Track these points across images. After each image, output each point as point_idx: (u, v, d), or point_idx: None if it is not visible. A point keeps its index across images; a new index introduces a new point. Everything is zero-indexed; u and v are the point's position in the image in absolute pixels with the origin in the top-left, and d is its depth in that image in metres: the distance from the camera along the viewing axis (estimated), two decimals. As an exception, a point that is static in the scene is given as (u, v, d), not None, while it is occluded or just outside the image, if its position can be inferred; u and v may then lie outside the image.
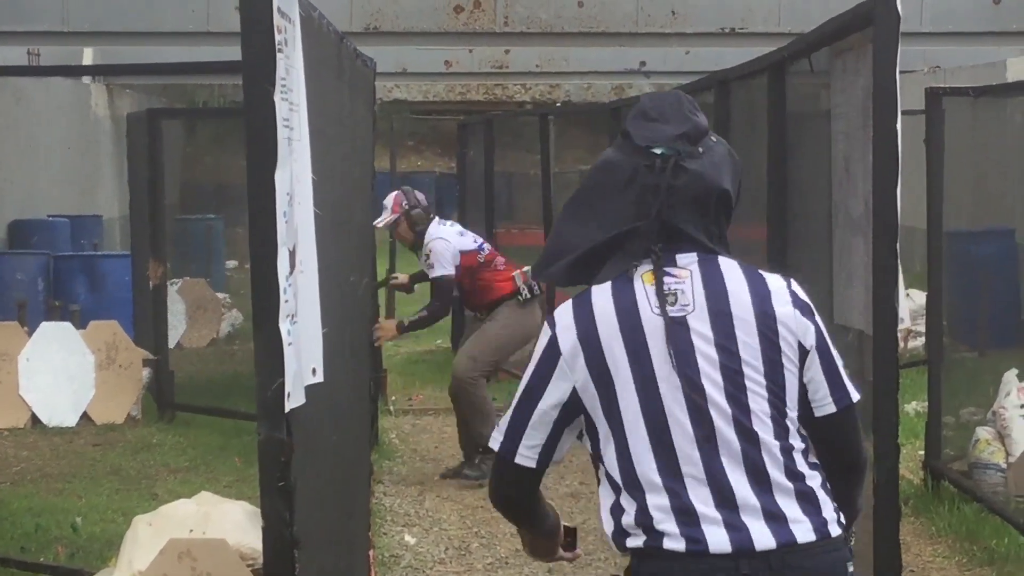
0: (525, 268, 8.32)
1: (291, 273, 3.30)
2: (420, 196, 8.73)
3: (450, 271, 8.21)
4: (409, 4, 11.62)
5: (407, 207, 8.30)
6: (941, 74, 13.99)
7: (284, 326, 3.21)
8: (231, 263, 17.73)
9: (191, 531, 6.28)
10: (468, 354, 8.18)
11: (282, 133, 3.33)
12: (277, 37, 3.34)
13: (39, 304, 12.09)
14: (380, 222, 8.12)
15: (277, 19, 3.34)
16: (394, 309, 14.12)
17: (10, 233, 14.62)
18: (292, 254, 3.37)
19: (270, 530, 3.36)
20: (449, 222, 8.85)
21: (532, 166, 13.50)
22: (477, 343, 8.22)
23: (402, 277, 9.25)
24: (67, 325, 10.64)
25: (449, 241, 8.27)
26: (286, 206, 3.34)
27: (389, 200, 8.47)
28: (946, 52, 13.30)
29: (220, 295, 14.60)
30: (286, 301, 3.24)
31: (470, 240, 8.53)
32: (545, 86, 18.02)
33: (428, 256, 8.17)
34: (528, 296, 8.24)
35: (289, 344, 3.19)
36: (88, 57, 14.49)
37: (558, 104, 16.49)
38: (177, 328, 12.64)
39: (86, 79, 17.66)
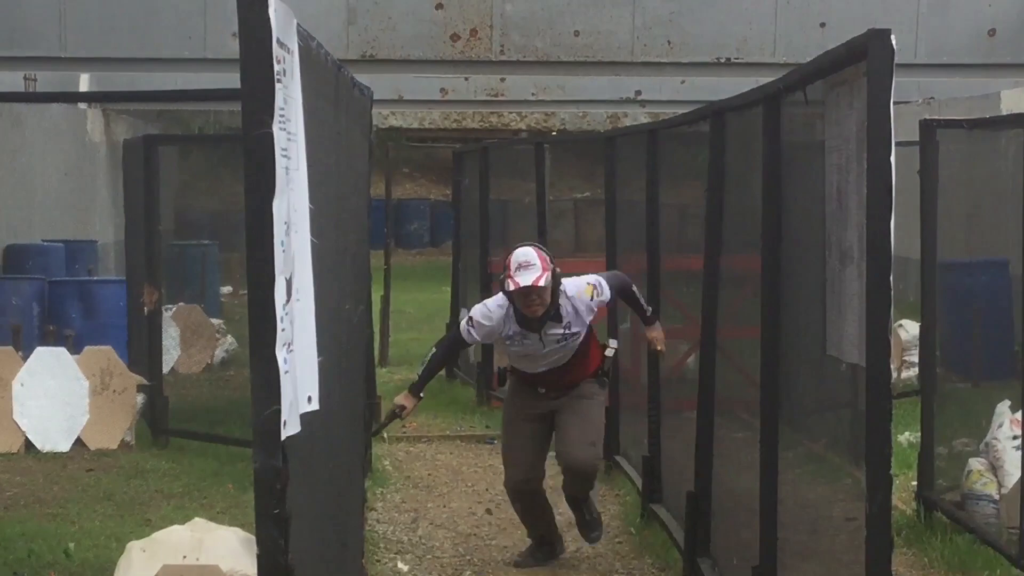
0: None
1: (288, 302, 3.31)
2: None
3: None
4: (406, 32, 11.77)
5: (551, 263, 6.72)
6: (936, 105, 13.97)
7: (280, 354, 3.20)
8: (226, 289, 17.72)
9: (184, 557, 6.24)
10: (586, 442, 7.06)
11: (280, 163, 3.34)
12: (276, 68, 3.34)
13: (33, 329, 12.16)
14: (540, 279, 6.53)
15: (276, 50, 3.36)
16: (388, 345, 14.13)
17: (5, 258, 14.61)
18: (289, 283, 3.38)
19: (265, 557, 3.35)
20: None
21: (527, 194, 13.47)
22: (590, 428, 7.10)
23: (409, 406, 7.18)
24: (62, 350, 10.67)
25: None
26: (283, 235, 3.35)
27: (531, 255, 6.68)
28: (941, 83, 13.44)
29: (214, 321, 14.70)
30: (283, 330, 3.23)
31: None
32: (541, 114, 18.17)
33: (578, 313, 6.83)
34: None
35: (285, 372, 3.18)
36: (85, 83, 14.55)
37: (554, 132, 16.33)
38: (171, 354, 12.62)
39: (82, 105, 17.65)
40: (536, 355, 6.95)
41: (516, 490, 7.16)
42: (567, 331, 6.82)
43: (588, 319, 6.96)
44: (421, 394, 7.12)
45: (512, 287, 6.63)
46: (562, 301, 6.73)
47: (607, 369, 7.21)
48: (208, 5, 12.13)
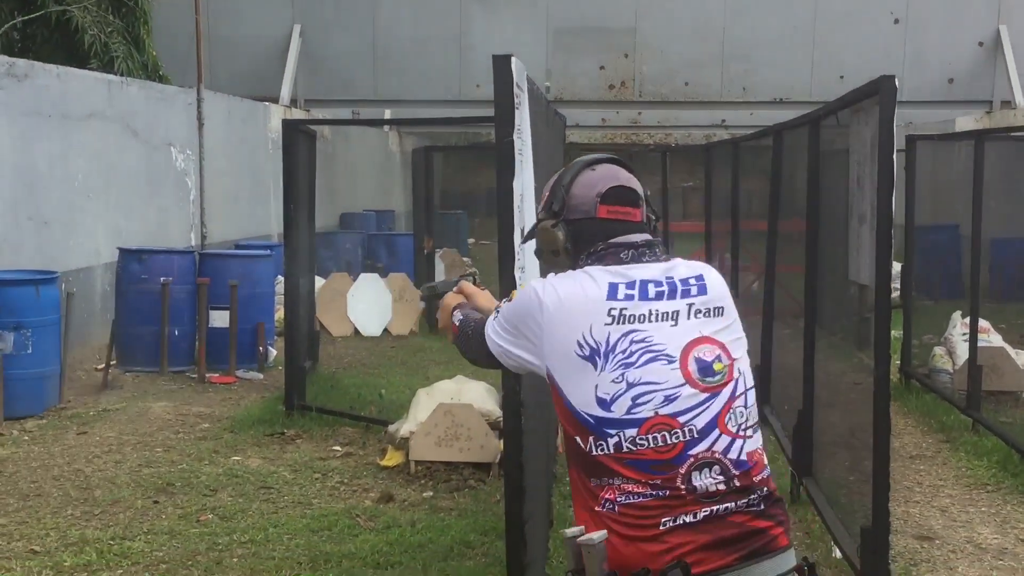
0: None
1: (522, 244, 3.65)
2: None
3: None
4: (582, 84, 16.32)
5: None
6: (914, 128, 15.66)
7: (517, 273, 3.61)
8: (471, 240, 20.17)
9: (452, 398, 6.95)
10: None
11: (517, 159, 3.66)
12: (516, 99, 3.67)
13: (359, 263, 14.89)
14: None
15: (515, 88, 3.66)
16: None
17: (341, 220, 17.98)
18: (522, 231, 3.69)
19: (508, 397, 3.84)
20: None
21: (655, 183, 14.61)
22: None
23: None
24: (376, 276, 12.87)
25: None
26: (519, 202, 3.67)
27: None
28: (917, 114, 16.52)
29: (465, 259, 16.78)
30: (518, 258, 3.62)
31: None
32: (662, 134, 21.17)
33: None
34: None
35: (519, 281, 3.60)
36: (387, 114, 18.32)
37: (672, 145, 18.55)
38: (440, 278, 11.37)
39: (386, 128, 20.98)
40: None
41: None
42: None
43: None
44: None
45: None
46: None
47: None
48: (462, 67, 16.59)
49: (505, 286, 3.54)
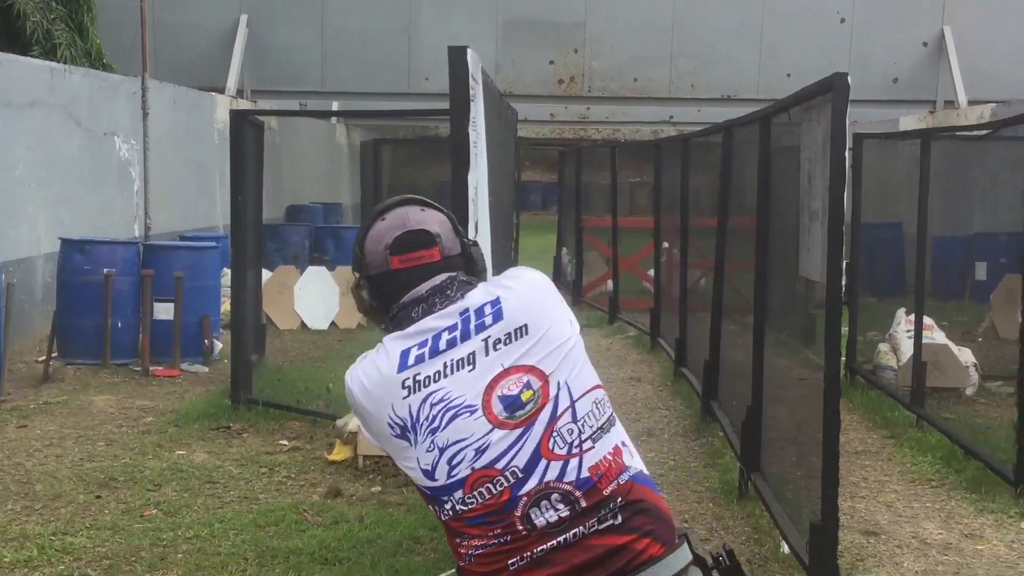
0: None
1: (476, 235, 3.63)
2: None
3: None
4: (531, 79, 16.39)
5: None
6: (858, 127, 14.56)
7: None
8: None
9: None
10: None
11: (472, 152, 3.76)
12: (471, 92, 3.79)
13: (306, 256, 14.88)
14: None
15: (471, 81, 3.80)
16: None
17: (287, 213, 17.81)
18: (476, 224, 3.74)
19: None
20: None
21: (603, 178, 14.93)
22: None
23: None
24: (323, 268, 12.84)
25: None
26: (473, 195, 3.72)
27: None
28: (864, 112, 16.40)
29: None
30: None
31: None
32: (611, 130, 21.16)
33: None
34: None
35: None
36: (335, 106, 17.87)
37: (621, 141, 18.74)
38: None
39: (333, 120, 20.63)
40: None
41: None
42: None
43: None
44: None
45: None
46: None
47: None
48: (411, 59, 16.61)
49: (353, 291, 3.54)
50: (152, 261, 10.19)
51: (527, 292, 2.41)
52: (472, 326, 2.34)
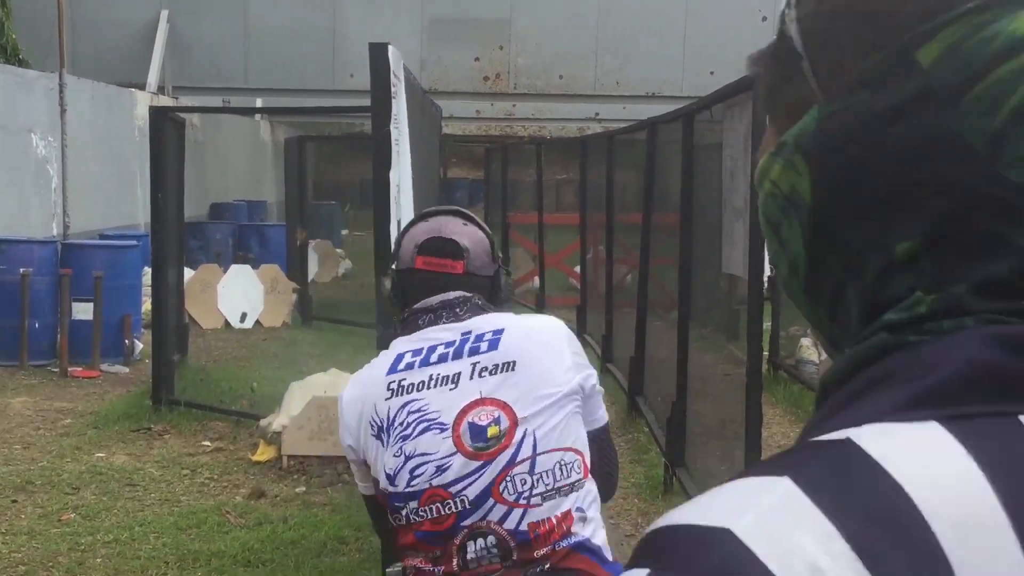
0: None
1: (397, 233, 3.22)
2: None
3: None
4: (455, 75, 16.42)
5: None
6: None
7: (392, 264, 3.14)
8: (344, 231, 19.84)
9: (325, 392, 6.76)
10: None
11: (394, 149, 3.74)
12: (392, 89, 3.74)
13: (229, 253, 14.62)
14: None
15: (392, 78, 3.75)
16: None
17: (211, 211, 17.56)
18: (399, 223, 3.76)
19: None
20: None
21: (529, 175, 15.11)
22: None
23: None
24: (247, 267, 12.68)
25: None
26: (396, 193, 3.73)
27: None
28: None
29: (338, 250, 16.99)
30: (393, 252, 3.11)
31: None
32: (536, 127, 20.21)
33: None
34: None
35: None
36: (258, 103, 17.64)
37: (547, 138, 17.97)
38: (312, 269, 14.21)
39: (258, 117, 20.26)
40: None
41: None
42: None
43: None
44: None
45: None
46: None
47: None
48: (336, 56, 16.61)
49: (379, 274, 3.51)
50: (71, 260, 10.01)
51: (530, 332, 2.43)
52: (467, 347, 2.39)
